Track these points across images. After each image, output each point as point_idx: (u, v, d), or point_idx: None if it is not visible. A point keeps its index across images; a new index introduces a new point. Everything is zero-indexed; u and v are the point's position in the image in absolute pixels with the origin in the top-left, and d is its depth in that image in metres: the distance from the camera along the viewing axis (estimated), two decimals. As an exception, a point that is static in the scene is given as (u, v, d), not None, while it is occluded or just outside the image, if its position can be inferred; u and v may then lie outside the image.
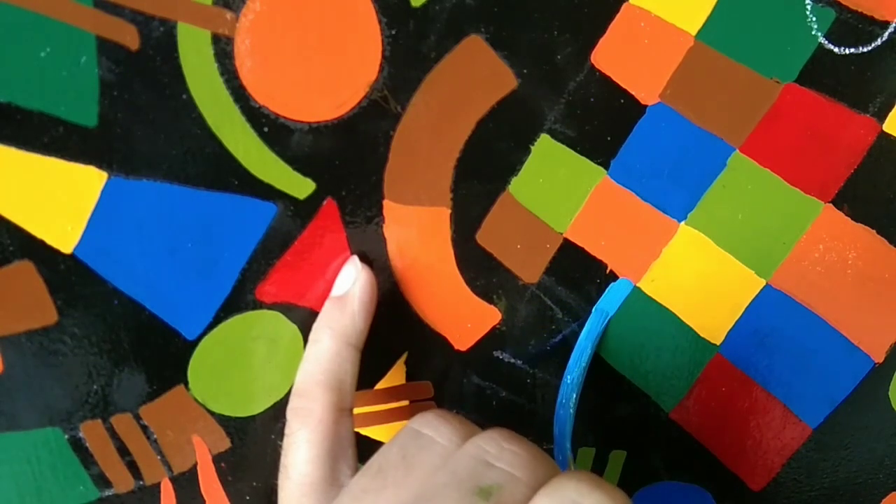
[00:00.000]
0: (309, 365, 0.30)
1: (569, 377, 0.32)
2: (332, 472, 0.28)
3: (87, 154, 0.29)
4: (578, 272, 0.32)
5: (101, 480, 0.33)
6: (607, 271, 0.32)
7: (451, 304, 0.32)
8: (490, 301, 0.32)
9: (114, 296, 0.31)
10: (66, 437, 0.32)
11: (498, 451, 0.24)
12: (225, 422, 0.33)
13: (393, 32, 0.29)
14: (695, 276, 0.32)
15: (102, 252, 0.30)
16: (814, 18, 0.29)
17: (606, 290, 0.32)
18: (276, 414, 0.33)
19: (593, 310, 0.32)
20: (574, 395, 0.32)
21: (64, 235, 0.30)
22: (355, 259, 0.31)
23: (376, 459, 0.25)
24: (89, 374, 0.31)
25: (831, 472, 0.35)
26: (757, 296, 0.32)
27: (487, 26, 0.29)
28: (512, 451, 0.24)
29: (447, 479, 0.23)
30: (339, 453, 0.29)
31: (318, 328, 0.30)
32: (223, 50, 0.29)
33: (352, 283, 0.31)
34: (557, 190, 0.31)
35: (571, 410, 0.32)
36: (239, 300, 0.31)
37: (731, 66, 0.30)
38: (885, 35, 0.29)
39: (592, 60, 0.30)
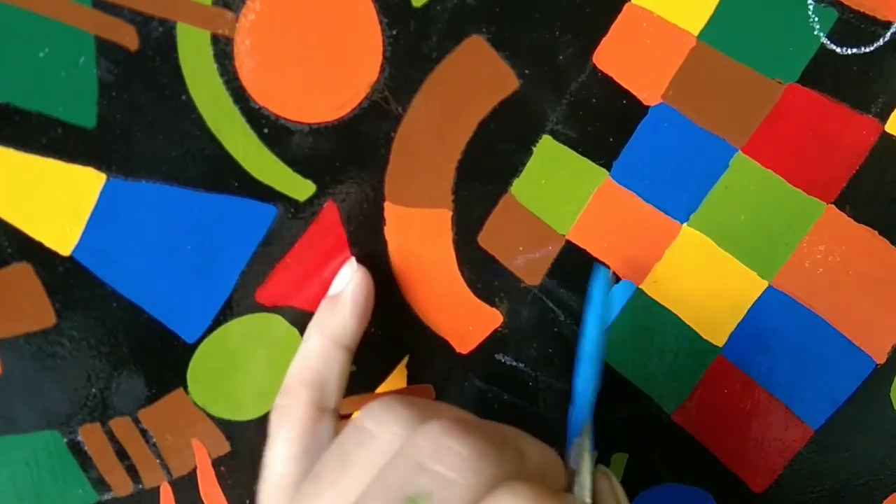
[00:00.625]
0: (296, 363, 0.30)
1: (590, 331, 0.30)
2: (307, 472, 0.27)
3: (86, 155, 0.29)
4: (581, 274, 0.32)
5: (100, 484, 0.33)
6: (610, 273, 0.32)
7: (453, 307, 0.32)
8: (492, 304, 0.32)
9: (112, 298, 0.30)
10: (65, 440, 0.32)
11: (434, 450, 0.21)
12: (224, 425, 0.33)
13: (394, 33, 0.29)
14: (697, 278, 0.32)
15: (101, 254, 0.30)
16: (816, 18, 0.29)
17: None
18: (277, 417, 0.33)
19: (597, 267, 0.31)
20: (597, 350, 0.30)
21: (62, 237, 0.30)
22: (352, 260, 0.31)
23: (318, 462, 0.24)
24: (88, 377, 0.31)
25: (833, 474, 0.35)
26: (759, 297, 0.32)
27: (489, 26, 0.29)
28: (450, 448, 0.21)
29: (376, 486, 0.21)
30: (317, 454, 0.28)
31: (310, 327, 0.30)
32: (223, 50, 0.28)
33: (346, 283, 0.30)
34: (559, 191, 0.31)
35: (596, 367, 0.30)
36: (239, 303, 0.31)
37: (734, 66, 0.30)
38: (888, 35, 0.29)
39: (594, 61, 0.30)
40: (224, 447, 0.33)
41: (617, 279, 0.32)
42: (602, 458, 0.35)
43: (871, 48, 0.29)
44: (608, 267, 0.32)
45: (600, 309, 0.31)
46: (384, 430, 0.23)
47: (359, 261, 0.31)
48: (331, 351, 0.29)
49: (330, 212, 0.31)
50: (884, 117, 0.30)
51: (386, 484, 0.21)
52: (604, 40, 0.30)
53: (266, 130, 0.29)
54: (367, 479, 0.22)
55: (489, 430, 0.22)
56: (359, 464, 0.22)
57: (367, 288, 0.30)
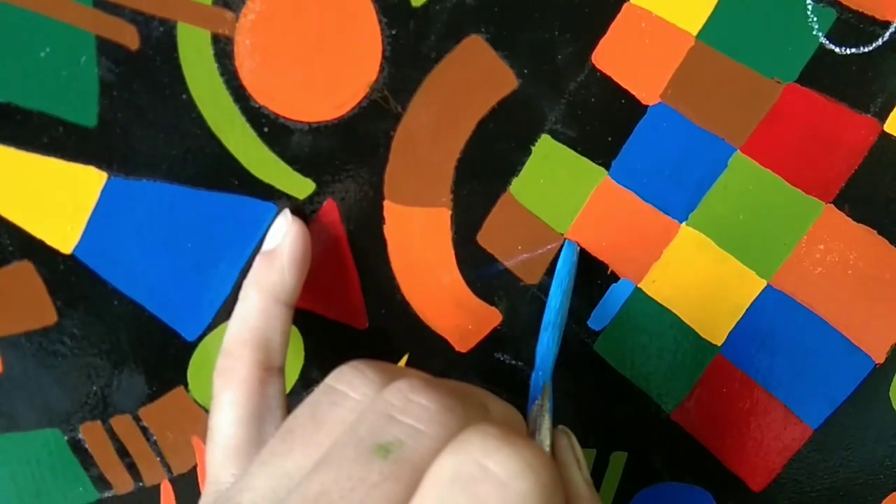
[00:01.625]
0: (235, 323, 0.29)
1: (552, 300, 0.31)
2: (258, 433, 0.27)
3: (87, 154, 0.29)
4: (579, 273, 0.32)
5: (101, 482, 0.33)
6: (608, 272, 0.32)
7: (452, 306, 0.32)
8: (491, 302, 0.32)
9: (113, 296, 0.31)
10: (66, 438, 0.32)
11: (403, 404, 0.22)
12: (225, 423, 0.33)
13: (393, 32, 0.29)
14: (696, 277, 0.32)
15: (102, 252, 0.30)
16: (815, 18, 0.29)
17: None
18: (277, 415, 0.33)
19: (565, 243, 0.32)
20: (558, 318, 0.31)
21: (64, 235, 0.30)
22: (286, 212, 0.30)
23: (288, 420, 0.23)
24: (89, 375, 0.31)
25: (832, 473, 0.35)
26: (758, 296, 0.32)
27: (488, 26, 0.29)
28: (418, 403, 0.22)
29: (348, 437, 0.21)
30: (266, 414, 0.28)
31: (246, 285, 0.29)
32: (223, 50, 0.28)
33: (282, 237, 0.29)
34: (558, 190, 0.31)
35: (556, 334, 0.30)
36: (239, 301, 0.31)
37: (732, 66, 0.30)
38: (886, 35, 0.29)
39: (593, 60, 0.30)
40: (224, 445, 0.33)
41: (616, 277, 0.32)
42: (601, 456, 0.35)
43: (870, 48, 0.30)
44: (578, 245, 0.32)
45: (563, 281, 0.31)
46: (355, 391, 0.23)
47: (358, 260, 0.31)
48: (272, 308, 0.29)
49: (329, 210, 0.31)
50: (882, 117, 0.30)
51: (358, 434, 0.21)
52: (602, 40, 0.30)
53: (266, 129, 0.29)
54: (334, 438, 0.22)
55: (454, 388, 0.23)
56: (331, 421, 0.22)
57: (305, 241, 0.30)
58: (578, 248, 0.32)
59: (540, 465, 0.20)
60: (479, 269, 0.32)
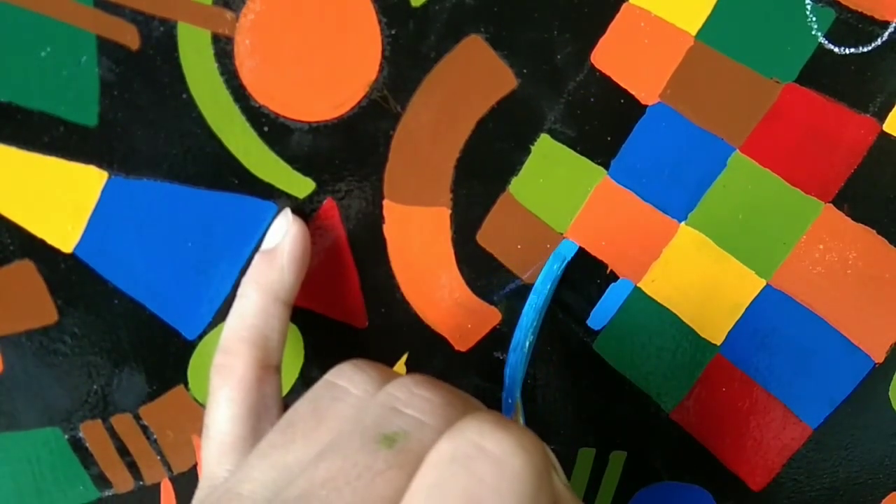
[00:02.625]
0: (233, 321, 0.29)
1: (524, 320, 0.31)
2: (254, 431, 0.27)
3: (88, 153, 0.29)
4: (579, 272, 0.32)
5: (101, 480, 0.33)
6: (608, 271, 0.32)
7: (452, 305, 0.32)
8: (490, 301, 0.32)
9: (114, 295, 0.31)
10: (66, 437, 0.32)
11: (407, 397, 0.22)
12: (225, 422, 0.33)
13: (393, 32, 0.29)
14: (695, 277, 0.32)
15: (102, 251, 0.30)
16: (814, 18, 0.29)
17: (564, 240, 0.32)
18: (276, 414, 0.33)
19: (552, 254, 0.32)
20: (528, 340, 0.31)
21: (64, 235, 0.30)
22: (287, 211, 0.30)
23: (288, 414, 0.24)
24: (89, 373, 0.31)
25: (831, 472, 0.35)
26: (757, 296, 0.32)
27: (487, 26, 0.29)
28: (422, 396, 0.22)
29: (352, 427, 0.22)
30: (262, 412, 0.28)
31: (245, 283, 0.29)
32: (223, 50, 0.29)
33: (282, 236, 0.30)
34: (558, 190, 0.31)
35: (524, 355, 0.31)
36: (239, 300, 0.31)
37: (731, 65, 0.30)
38: (885, 35, 0.29)
39: (592, 60, 0.30)
40: (224, 444, 0.33)
41: (615, 277, 0.32)
42: (600, 455, 0.35)
43: (869, 48, 0.30)
44: (573, 255, 0.32)
45: (541, 296, 0.31)
46: (356, 387, 0.23)
47: (357, 259, 0.32)
48: (270, 307, 0.29)
49: (329, 209, 0.31)
50: (882, 116, 0.30)
51: (363, 424, 0.22)
52: (602, 40, 0.30)
53: (266, 129, 0.30)
54: (336, 430, 0.22)
55: (453, 388, 0.24)
56: (332, 416, 0.23)
57: (304, 240, 0.30)
58: (576, 250, 0.32)
59: (532, 447, 0.21)
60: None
